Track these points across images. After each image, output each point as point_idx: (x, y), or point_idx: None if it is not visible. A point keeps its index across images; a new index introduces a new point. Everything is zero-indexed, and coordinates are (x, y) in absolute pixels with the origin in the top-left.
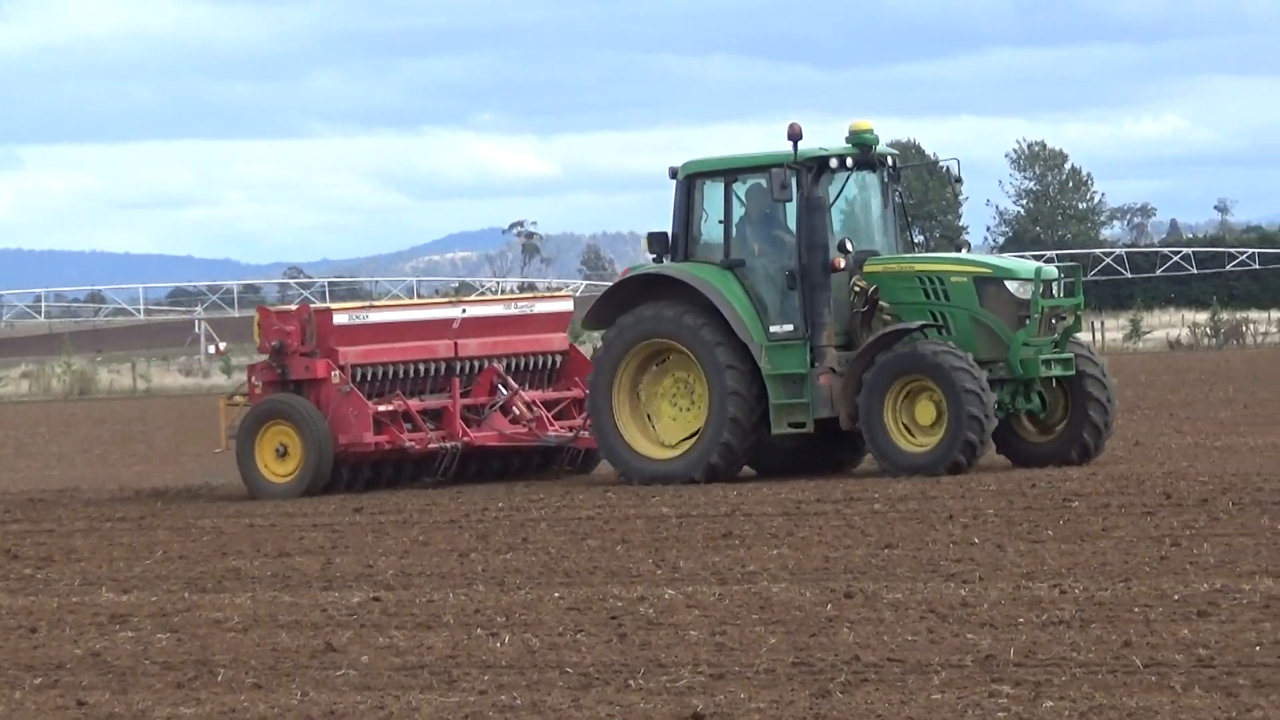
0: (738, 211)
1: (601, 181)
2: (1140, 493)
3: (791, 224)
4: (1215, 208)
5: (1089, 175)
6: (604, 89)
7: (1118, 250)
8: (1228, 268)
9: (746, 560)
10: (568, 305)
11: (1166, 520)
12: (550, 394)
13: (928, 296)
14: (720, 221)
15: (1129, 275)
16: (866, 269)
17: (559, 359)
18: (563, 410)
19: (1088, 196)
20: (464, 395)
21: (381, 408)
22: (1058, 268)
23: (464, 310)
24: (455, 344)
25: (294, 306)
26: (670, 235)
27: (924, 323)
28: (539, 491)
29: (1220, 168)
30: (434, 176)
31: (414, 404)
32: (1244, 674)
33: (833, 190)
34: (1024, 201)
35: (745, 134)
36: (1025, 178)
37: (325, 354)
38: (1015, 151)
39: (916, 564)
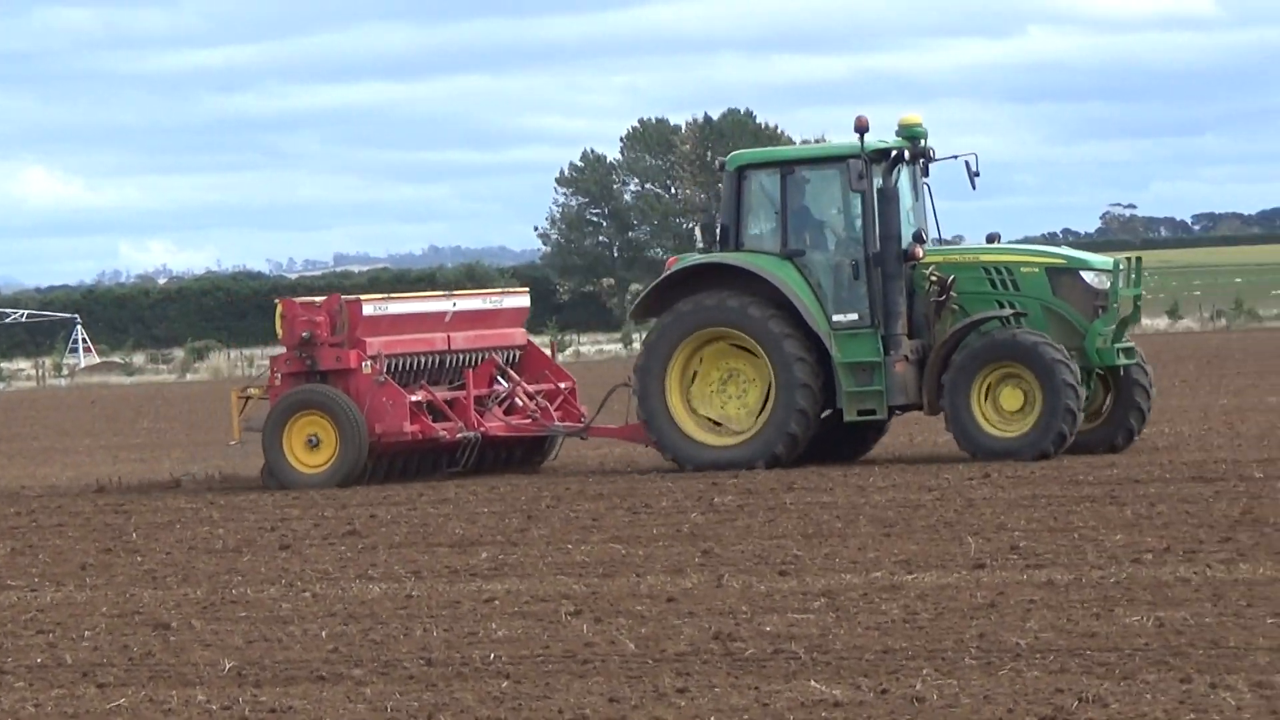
0: (791, 203)
1: None
2: None
3: (843, 215)
4: None
5: None
6: None
7: None
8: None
9: None
10: (526, 300)
11: None
12: (531, 387)
13: (994, 286)
14: (777, 212)
15: None
16: (927, 259)
17: (518, 353)
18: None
19: None
20: (461, 387)
21: (412, 398)
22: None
23: (454, 304)
24: (449, 336)
25: (319, 299)
26: (721, 226)
27: (1016, 310)
28: None
29: None
30: None
31: (440, 394)
32: None
33: (890, 181)
34: None
35: None
36: None
37: (353, 345)
38: None
39: None
